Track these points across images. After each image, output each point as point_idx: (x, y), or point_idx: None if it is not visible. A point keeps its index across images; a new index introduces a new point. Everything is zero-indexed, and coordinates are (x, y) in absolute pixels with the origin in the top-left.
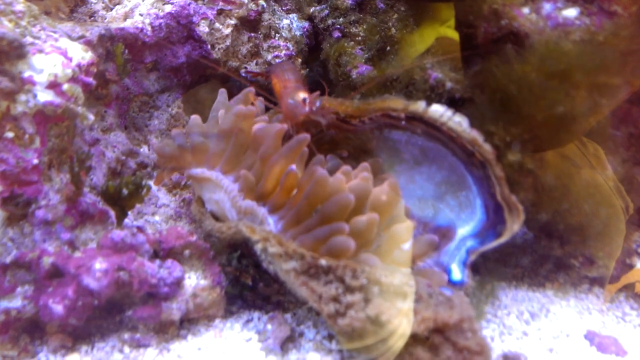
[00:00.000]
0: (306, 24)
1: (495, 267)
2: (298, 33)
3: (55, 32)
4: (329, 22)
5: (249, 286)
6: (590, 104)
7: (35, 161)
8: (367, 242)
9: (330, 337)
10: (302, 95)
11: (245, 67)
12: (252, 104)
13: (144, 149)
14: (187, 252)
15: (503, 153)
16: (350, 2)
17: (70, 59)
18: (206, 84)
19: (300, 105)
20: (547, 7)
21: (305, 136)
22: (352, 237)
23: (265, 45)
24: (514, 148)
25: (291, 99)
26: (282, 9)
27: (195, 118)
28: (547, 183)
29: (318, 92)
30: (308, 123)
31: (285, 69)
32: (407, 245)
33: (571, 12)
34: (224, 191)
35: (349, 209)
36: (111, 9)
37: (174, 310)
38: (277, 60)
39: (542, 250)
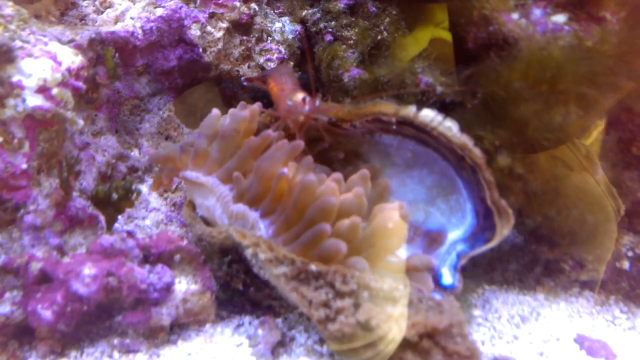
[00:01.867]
0: (298, 27)
1: (486, 271)
2: (290, 36)
3: (44, 35)
4: (321, 25)
5: (240, 291)
6: (579, 109)
7: (24, 166)
8: (356, 248)
9: (321, 342)
10: (301, 95)
11: (237, 71)
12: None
13: (135, 153)
14: (177, 256)
15: (493, 157)
16: (342, 5)
17: (60, 63)
18: (198, 86)
19: (300, 105)
20: (536, 12)
21: (299, 143)
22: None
23: (257, 49)
24: (501, 155)
25: (289, 100)
26: (274, 12)
27: (215, 115)
28: (537, 187)
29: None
30: (304, 126)
31: (282, 72)
32: (402, 253)
33: (560, 18)
34: (216, 198)
35: (333, 212)
36: (102, 13)
37: (164, 315)
38: (269, 64)
39: (532, 254)
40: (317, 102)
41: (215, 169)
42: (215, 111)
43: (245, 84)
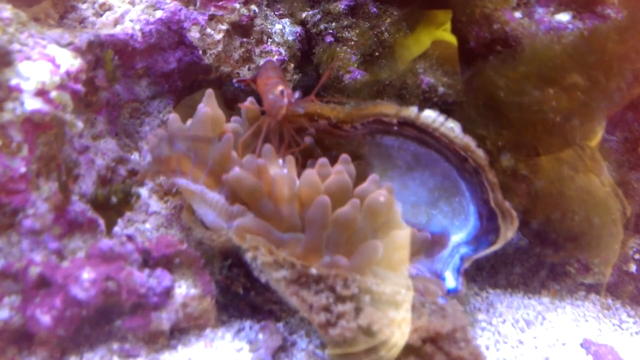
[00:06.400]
0: (299, 29)
1: (490, 274)
2: (290, 38)
3: (43, 38)
4: (322, 26)
5: (240, 295)
6: (584, 109)
7: (23, 170)
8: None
9: (322, 346)
10: (280, 88)
11: (238, 73)
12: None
13: (135, 156)
14: (177, 260)
15: (496, 158)
16: (342, 6)
17: (59, 66)
18: (201, 91)
19: (279, 97)
20: (539, 11)
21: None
22: (340, 228)
23: (257, 51)
24: (505, 156)
25: (271, 94)
26: (274, 13)
27: (174, 119)
28: (541, 189)
29: (309, 97)
30: (296, 128)
31: (267, 67)
32: (405, 254)
33: (564, 16)
34: (208, 205)
35: (329, 210)
36: (101, 15)
37: (164, 320)
38: None
39: (536, 257)
40: (297, 95)
41: (200, 175)
42: (172, 115)
43: (236, 84)
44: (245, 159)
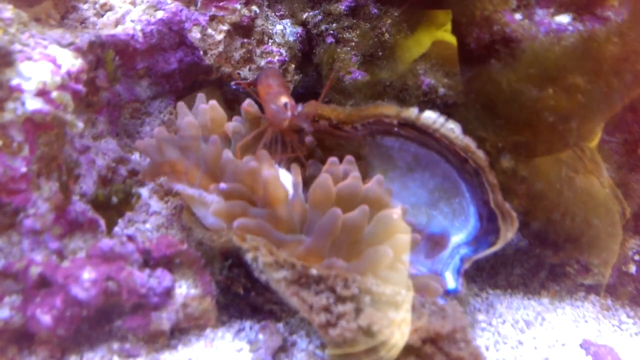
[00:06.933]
0: (299, 30)
1: (490, 275)
2: (291, 39)
3: (44, 39)
4: (323, 27)
5: (241, 295)
6: (584, 111)
7: (24, 169)
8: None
9: (323, 347)
10: (284, 99)
11: (239, 73)
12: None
13: (136, 156)
14: (177, 260)
15: (496, 159)
16: (343, 7)
17: (60, 66)
18: (201, 90)
19: (282, 110)
20: (539, 13)
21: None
22: (347, 232)
23: (258, 51)
24: (505, 157)
25: (273, 104)
26: (275, 14)
27: (160, 131)
28: (541, 190)
29: (312, 102)
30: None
31: (268, 74)
32: (406, 256)
33: (564, 18)
34: (207, 207)
35: (340, 222)
36: (102, 16)
37: (164, 320)
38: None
39: (536, 258)
40: (299, 108)
41: (195, 177)
42: (157, 129)
43: (233, 87)
44: (243, 160)
